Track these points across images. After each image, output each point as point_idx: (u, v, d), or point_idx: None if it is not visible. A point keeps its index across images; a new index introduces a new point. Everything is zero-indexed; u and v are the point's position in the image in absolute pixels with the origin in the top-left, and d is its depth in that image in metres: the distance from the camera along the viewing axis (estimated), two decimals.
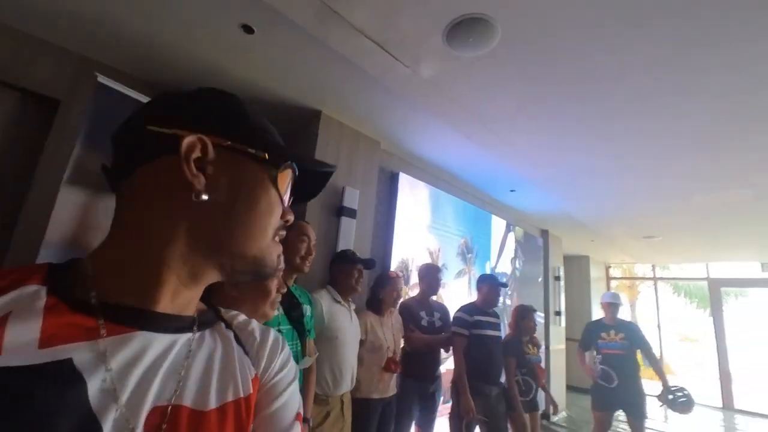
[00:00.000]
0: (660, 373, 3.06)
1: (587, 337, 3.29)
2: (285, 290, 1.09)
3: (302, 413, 0.46)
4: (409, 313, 2.40)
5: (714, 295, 6.73)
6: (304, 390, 1.37)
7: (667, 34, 1.48)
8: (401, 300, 2.40)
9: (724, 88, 1.79)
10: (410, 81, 1.91)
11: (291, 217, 0.45)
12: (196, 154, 0.37)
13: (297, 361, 1.30)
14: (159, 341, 0.36)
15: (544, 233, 5.16)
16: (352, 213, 2.38)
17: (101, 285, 0.36)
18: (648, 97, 1.93)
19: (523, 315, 2.83)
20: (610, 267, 7.90)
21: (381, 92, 2.08)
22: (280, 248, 0.44)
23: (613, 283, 8.12)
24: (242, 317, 0.50)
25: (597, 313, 6.15)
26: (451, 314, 2.57)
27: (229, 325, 0.46)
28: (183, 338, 0.39)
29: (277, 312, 1.23)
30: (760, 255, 5.92)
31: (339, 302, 1.85)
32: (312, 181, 0.50)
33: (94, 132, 1.18)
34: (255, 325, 0.49)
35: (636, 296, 10.77)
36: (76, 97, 1.80)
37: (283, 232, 0.45)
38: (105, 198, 1.17)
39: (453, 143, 2.75)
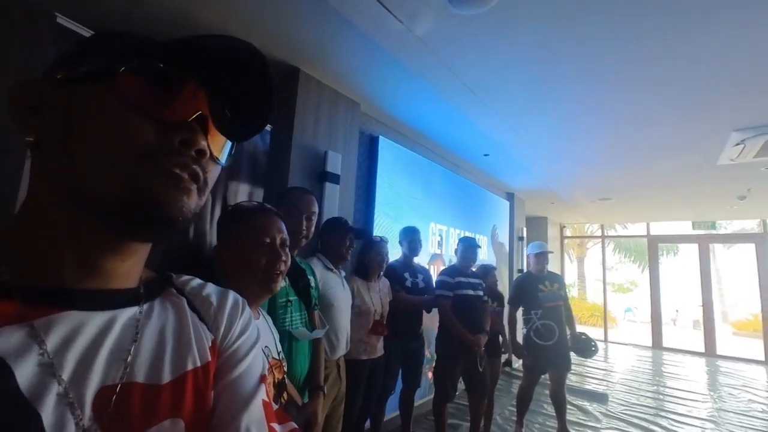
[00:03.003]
0: (573, 322, 3.02)
1: (525, 290, 2.99)
2: (288, 260, 1.03)
3: (266, 374, 0.45)
4: (393, 274, 2.46)
5: (652, 250, 7.51)
6: (314, 360, 1.36)
7: (649, 10, 1.50)
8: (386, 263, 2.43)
9: (693, 59, 1.88)
10: (401, 38, 1.80)
11: (190, 135, 0.33)
12: (31, 101, 0.33)
13: (309, 330, 1.28)
14: (94, 320, 0.32)
15: (510, 196, 5.37)
16: (335, 178, 2.30)
17: (11, 265, 0.31)
18: (625, 68, 2.00)
19: (484, 272, 2.92)
20: (564, 227, 8.47)
21: (364, 49, 1.96)
22: (177, 180, 0.32)
23: (566, 242, 8.77)
24: (196, 281, 0.45)
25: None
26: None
27: (181, 291, 0.43)
28: (126, 313, 0.35)
29: (284, 282, 1.19)
30: (692, 215, 6.62)
31: (331, 270, 1.83)
32: (246, 91, 0.38)
33: None
34: (211, 289, 0.45)
35: (584, 253, 11.77)
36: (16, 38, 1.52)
37: (194, 166, 0.33)
38: None
39: (433, 106, 2.70)
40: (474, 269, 2.73)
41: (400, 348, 2.40)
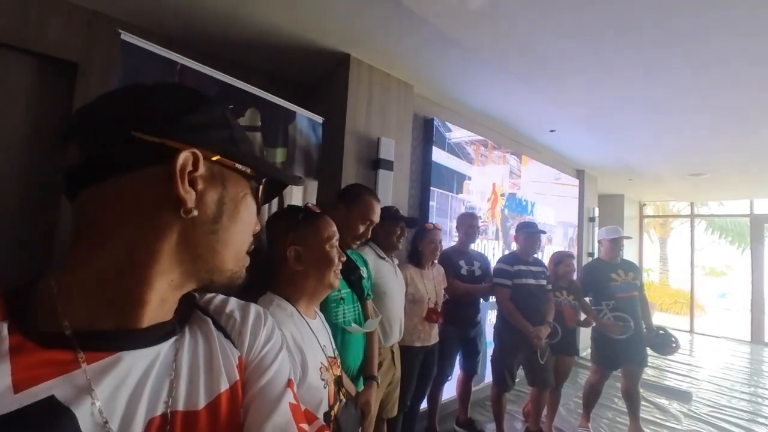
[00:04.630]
0: (649, 314, 2.73)
1: (595, 279, 2.71)
2: (344, 258, 1.07)
3: (292, 378, 0.47)
4: (448, 262, 2.39)
5: (756, 230, 6.45)
6: (367, 350, 1.40)
7: None
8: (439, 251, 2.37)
9: None
10: (455, 13, 1.68)
11: (258, 227, 0.45)
12: (189, 168, 0.35)
13: (360, 324, 1.31)
14: (143, 358, 0.35)
15: (580, 173, 4.91)
16: (388, 165, 2.28)
17: (70, 309, 0.33)
18: (709, 27, 1.64)
19: (558, 260, 2.71)
20: (644, 205, 7.60)
21: (415, 29, 1.86)
22: (247, 261, 0.44)
23: (645, 221, 7.88)
24: (218, 299, 0.48)
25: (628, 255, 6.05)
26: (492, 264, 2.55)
27: (206, 311, 0.45)
28: (166, 346, 0.38)
29: None
30: None
31: (383, 258, 1.84)
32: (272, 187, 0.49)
33: None
34: (234, 305, 0.48)
35: (668, 233, 10.51)
36: (94, 58, 1.70)
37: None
38: None
39: (492, 82, 2.51)
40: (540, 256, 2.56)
41: (457, 335, 2.37)
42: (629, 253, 5.56)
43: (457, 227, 2.60)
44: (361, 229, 1.42)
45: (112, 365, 0.33)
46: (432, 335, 2.13)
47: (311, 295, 1.01)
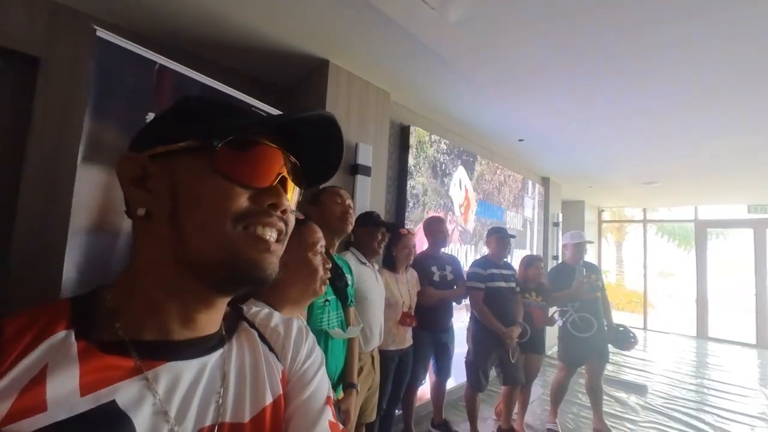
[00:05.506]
0: (610, 313, 2.91)
1: (561, 282, 2.81)
2: (330, 266, 1.07)
3: (331, 395, 0.47)
4: (420, 268, 2.40)
5: (700, 234, 7.03)
6: (348, 357, 1.40)
7: None
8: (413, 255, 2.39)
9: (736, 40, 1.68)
10: (434, 25, 1.74)
11: (276, 200, 0.37)
12: (134, 173, 0.36)
13: (343, 329, 1.31)
14: (188, 369, 0.36)
15: (546, 181, 5.16)
16: (366, 170, 2.30)
17: (123, 320, 0.36)
18: (680, 48, 1.83)
19: (528, 263, 2.84)
20: (603, 211, 8.08)
21: (394, 38, 1.90)
22: (266, 244, 0.36)
23: (604, 226, 8.37)
24: (264, 312, 0.49)
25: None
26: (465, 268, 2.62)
27: (252, 324, 0.46)
28: (213, 358, 0.39)
29: None
30: (748, 197, 6.09)
31: (364, 263, 1.85)
32: (319, 146, 0.42)
33: (104, 98, 1.04)
34: (277, 319, 0.49)
35: (623, 237, 11.22)
36: (57, 53, 1.60)
37: (279, 223, 0.38)
38: None
39: (465, 93, 2.60)
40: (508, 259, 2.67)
41: (430, 339, 2.40)
42: (589, 255, 5.87)
43: (425, 233, 2.60)
44: (337, 209, 1.48)
45: (160, 373, 0.35)
46: (406, 338, 2.16)
47: (295, 302, 1.00)
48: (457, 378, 3.02)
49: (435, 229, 2.53)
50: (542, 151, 3.94)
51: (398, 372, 2.12)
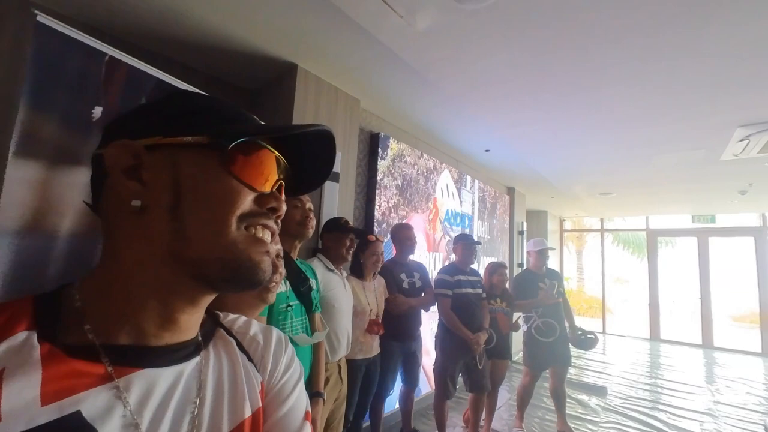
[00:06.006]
0: (572, 317, 3.02)
1: (525, 288, 2.93)
2: (284, 272, 1.01)
3: (309, 410, 0.46)
4: (389, 276, 2.38)
5: (651, 243, 7.51)
6: (314, 366, 1.35)
7: (654, 6, 1.46)
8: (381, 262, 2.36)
9: (698, 55, 1.84)
10: (402, 34, 1.76)
11: (277, 204, 0.38)
12: (127, 162, 0.34)
13: (308, 334, 1.26)
14: (163, 377, 0.34)
15: (511, 190, 5.34)
16: (335, 177, 2.28)
17: (93, 322, 0.33)
18: (630, 64, 1.96)
19: (492, 270, 2.89)
20: (564, 220, 8.46)
21: (363, 45, 1.91)
22: (266, 246, 0.37)
23: (565, 234, 8.76)
24: (242, 320, 0.47)
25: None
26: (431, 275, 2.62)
27: (229, 332, 0.44)
28: (190, 366, 0.37)
29: (284, 287, 1.17)
30: (692, 208, 6.59)
31: (332, 271, 1.81)
32: (311, 156, 0.43)
33: (41, 87, 0.95)
34: (256, 327, 0.47)
35: (583, 246, 11.79)
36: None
37: (274, 226, 0.39)
38: (64, 172, 0.98)
39: (434, 102, 2.65)
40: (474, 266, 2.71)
41: (399, 349, 2.37)
42: (552, 263, 6.09)
43: (392, 239, 2.59)
44: (297, 213, 1.40)
45: (135, 380, 0.32)
46: (374, 347, 2.12)
47: (248, 307, 0.93)
48: (424, 386, 3.01)
49: (403, 236, 2.51)
50: (507, 161, 4.07)
51: (365, 381, 2.07)
